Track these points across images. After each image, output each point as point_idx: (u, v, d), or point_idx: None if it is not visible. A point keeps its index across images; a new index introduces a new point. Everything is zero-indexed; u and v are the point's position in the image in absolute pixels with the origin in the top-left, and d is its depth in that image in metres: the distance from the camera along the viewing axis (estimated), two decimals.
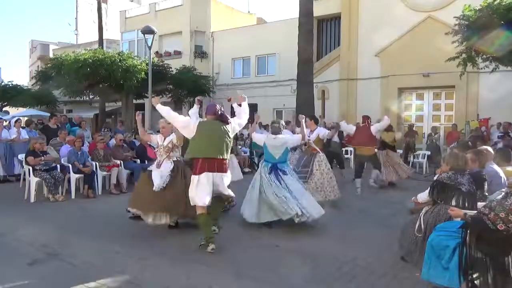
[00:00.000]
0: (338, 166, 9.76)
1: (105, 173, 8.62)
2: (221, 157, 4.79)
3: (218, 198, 5.09)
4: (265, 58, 20.86)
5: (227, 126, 4.92)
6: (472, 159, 4.51)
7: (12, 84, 21.00)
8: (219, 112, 4.94)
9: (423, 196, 4.30)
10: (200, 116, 6.17)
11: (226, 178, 4.96)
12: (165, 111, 5.03)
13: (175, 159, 5.64)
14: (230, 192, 5.05)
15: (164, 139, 5.73)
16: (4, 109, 21.74)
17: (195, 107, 6.19)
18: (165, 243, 5.14)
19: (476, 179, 4.12)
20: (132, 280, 3.95)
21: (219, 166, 4.79)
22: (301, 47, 14.00)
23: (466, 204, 3.91)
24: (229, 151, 4.99)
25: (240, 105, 5.28)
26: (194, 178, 4.78)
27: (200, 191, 4.72)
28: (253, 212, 5.78)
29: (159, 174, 5.48)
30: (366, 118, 8.96)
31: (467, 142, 9.18)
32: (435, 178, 4.46)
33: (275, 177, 5.84)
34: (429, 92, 16.52)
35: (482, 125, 13.92)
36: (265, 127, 13.32)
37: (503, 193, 3.61)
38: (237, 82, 21.08)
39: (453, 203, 3.97)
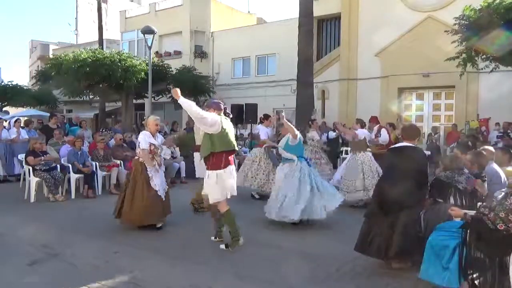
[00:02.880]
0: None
1: (105, 173, 8.63)
2: (236, 150, 4.98)
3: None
4: (265, 58, 20.85)
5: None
6: (471, 161, 4.52)
7: (12, 84, 20.96)
8: (226, 108, 5.10)
9: None
10: None
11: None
12: (189, 105, 4.54)
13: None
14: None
15: (154, 137, 5.77)
16: (4, 109, 21.71)
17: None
18: (165, 243, 5.14)
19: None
20: (132, 280, 3.94)
21: (233, 159, 4.97)
22: (301, 47, 13.99)
23: (464, 202, 3.92)
24: None
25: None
26: (219, 173, 4.69)
27: (229, 184, 4.77)
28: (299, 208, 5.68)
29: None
30: (376, 119, 9.02)
31: (467, 143, 9.19)
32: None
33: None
34: (429, 92, 16.51)
35: (482, 125, 13.93)
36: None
37: (503, 193, 3.61)
38: (237, 82, 21.07)
39: (451, 201, 3.98)
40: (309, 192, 5.73)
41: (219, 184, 4.69)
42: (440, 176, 4.19)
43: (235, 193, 4.89)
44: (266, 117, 8.46)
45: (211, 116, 4.68)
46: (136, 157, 5.79)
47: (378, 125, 8.72)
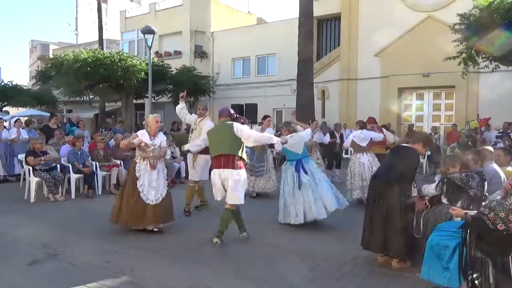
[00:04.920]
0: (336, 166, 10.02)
1: (105, 173, 8.62)
2: (225, 153, 4.94)
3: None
4: (265, 58, 20.85)
5: (233, 124, 5.06)
6: (474, 159, 4.52)
7: (12, 84, 20.97)
8: (235, 115, 5.28)
9: (428, 188, 4.28)
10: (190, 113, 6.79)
11: (237, 179, 4.94)
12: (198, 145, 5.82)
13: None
14: (235, 200, 4.98)
15: (154, 138, 5.64)
16: (4, 109, 21.71)
17: (181, 104, 6.55)
18: (165, 243, 5.13)
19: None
20: (132, 280, 3.94)
21: (225, 162, 4.93)
22: (301, 47, 13.98)
23: (471, 208, 3.90)
24: (237, 148, 4.99)
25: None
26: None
27: (213, 187, 5.08)
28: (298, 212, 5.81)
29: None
30: (372, 120, 9.08)
31: (468, 142, 9.21)
32: (435, 178, 4.45)
33: (300, 175, 5.92)
34: (429, 92, 16.52)
35: (482, 125, 13.94)
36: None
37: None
38: (237, 82, 21.08)
39: (458, 205, 3.97)
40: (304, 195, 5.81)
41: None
42: (454, 177, 4.09)
43: (217, 198, 5.14)
44: (265, 117, 8.62)
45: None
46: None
47: (371, 125, 8.80)
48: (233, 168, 4.92)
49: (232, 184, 4.91)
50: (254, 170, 7.86)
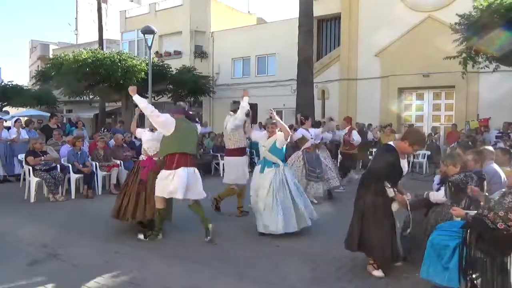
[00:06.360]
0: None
1: (105, 173, 8.62)
2: (192, 153, 5.22)
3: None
4: (265, 58, 20.86)
5: (196, 124, 5.40)
6: (474, 159, 4.52)
7: (12, 84, 20.97)
8: (190, 112, 5.48)
9: (438, 196, 4.25)
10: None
11: (198, 175, 5.19)
12: (143, 103, 4.98)
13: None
14: (200, 196, 5.17)
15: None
16: (4, 109, 21.71)
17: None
18: (165, 243, 5.14)
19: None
20: (132, 280, 3.95)
21: (190, 161, 5.12)
22: (301, 47, 13.99)
23: (471, 208, 3.91)
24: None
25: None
26: (169, 173, 4.95)
27: (179, 184, 4.89)
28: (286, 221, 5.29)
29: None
30: (349, 120, 9.29)
31: (468, 142, 9.22)
32: (435, 178, 4.44)
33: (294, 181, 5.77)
34: (429, 92, 16.53)
35: (482, 125, 13.95)
36: (265, 127, 13.33)
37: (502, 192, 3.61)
38: (237, 82, 21.08)
39: (462, 205, 3.98)
40: (291, 202, 5.42)
41: (163, 182, 4.98)
42: (455, 179, 4.13)
43: (177, 197, 4.96)
44: (307, 117, 8.29)
45: (163, 117, 5.00)
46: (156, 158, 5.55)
47: (349, 126, 8.94)
48: (194, 166, 5.16)
49: (196, 181, 5.11)
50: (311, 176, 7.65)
